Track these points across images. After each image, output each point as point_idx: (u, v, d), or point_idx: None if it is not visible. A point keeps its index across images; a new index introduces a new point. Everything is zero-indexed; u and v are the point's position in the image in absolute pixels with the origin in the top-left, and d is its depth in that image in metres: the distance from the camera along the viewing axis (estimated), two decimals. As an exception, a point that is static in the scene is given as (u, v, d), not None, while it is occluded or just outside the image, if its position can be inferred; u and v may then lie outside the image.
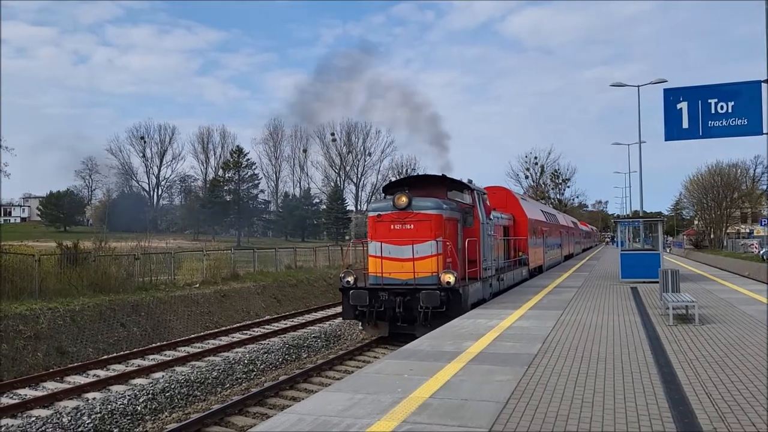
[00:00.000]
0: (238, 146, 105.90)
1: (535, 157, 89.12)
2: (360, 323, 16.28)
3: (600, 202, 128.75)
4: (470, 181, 18.87)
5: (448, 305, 14.14)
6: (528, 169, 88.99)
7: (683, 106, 12.56)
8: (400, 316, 14.59)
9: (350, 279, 15.47)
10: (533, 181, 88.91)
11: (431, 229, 14.73)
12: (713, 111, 12.44)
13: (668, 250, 60.39)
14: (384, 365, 8.51)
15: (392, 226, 15.01)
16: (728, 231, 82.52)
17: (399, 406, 6.41)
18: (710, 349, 9.41)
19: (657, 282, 16.27)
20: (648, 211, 52.50)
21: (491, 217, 18.19)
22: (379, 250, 15.07)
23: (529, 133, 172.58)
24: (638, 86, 33.16)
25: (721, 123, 12.51)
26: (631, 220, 29.12)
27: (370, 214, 15.55)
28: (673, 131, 12.86)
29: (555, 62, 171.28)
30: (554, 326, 11.85)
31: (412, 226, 14.82)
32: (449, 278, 14.30)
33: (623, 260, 22.34)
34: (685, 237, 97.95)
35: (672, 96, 12.77)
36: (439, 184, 17.04)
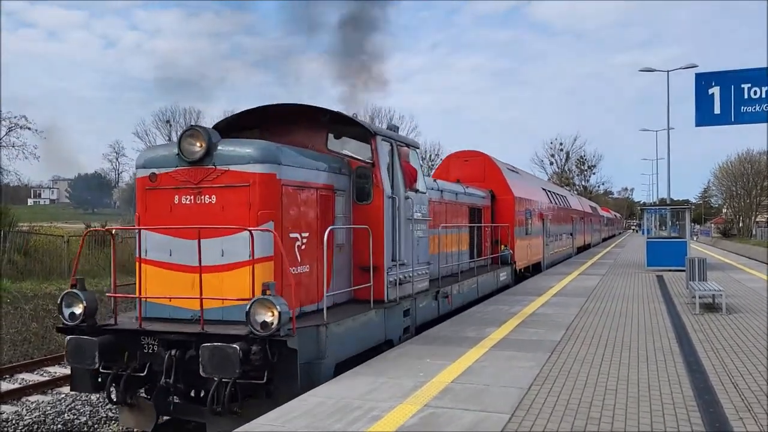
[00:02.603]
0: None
1: (561, 143, 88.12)
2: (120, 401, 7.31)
3: (626, 189, 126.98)
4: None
5: (272, 373, 6.55)
6: (553, 156, 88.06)
7: (715, 91, 12.32)
8: (178, 390, 7.13)
9: (77, 310, 7.25)
10: (558, 168, 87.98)
11: (250, 206, 7.16)
12: (746, 96, 12.17)
13: (695, 239, 59.55)
14: (406, 349, 8.54)
15: (176, 199, 7.41)
16: (758, 219, 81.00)
17: (421, 390, 6.43)
18: (737, 339, 9.27)
19: (683, 270, 16.04)
20: (675, 199, 51.71)
21: (419, 188, 10.38)
22: (155, 249, 7.46)
23: (556, 118, 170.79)
24: (668, 71, 32.55)
25: (754, 109, 12.25)
26: (657, 207, 28.75)
27: (139, 172, 7.72)
28: (704, 117, 12.63)
29: (587, 46, 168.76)
30: (578, 313, 11.77)
31: (214, 198, 7.28)
32: (268, 314, 6.42)
33: (649, 248, 22.08)
34: (712, 225, 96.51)
35: (704, 81, 12.52)
36: (316, 125, 9.41)
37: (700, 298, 12.17)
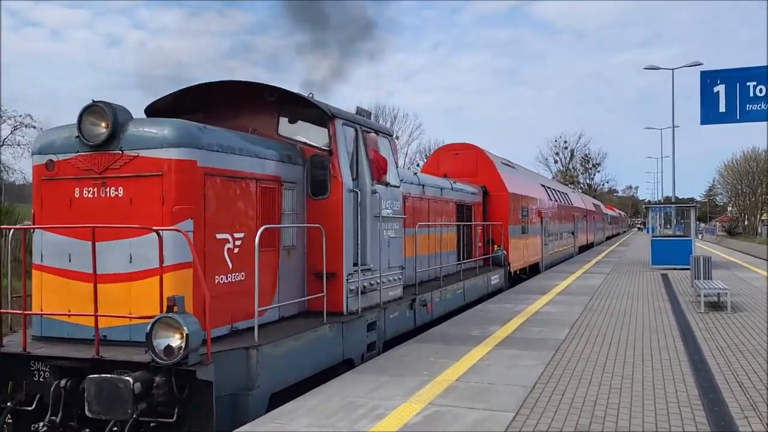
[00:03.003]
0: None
1: (565, 142, 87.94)
2: None
3: (630, 187, 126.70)
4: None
5: (184, 409, 5.25)
6: (557, 154, 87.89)
7: (720, 89, 12.28)
8: (70, 430, 5.59)
9: None
10: (563, 166, 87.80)
11: (163, 200, 5.88)
12: (751, 94, 12.13)
13: (700, 237, 59.39)
14: (409, 348, 8.54)
15: (76, 192, 6.11)
16: (763, 218, 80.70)
17: (425, 389, 6.43)
18: (742, 338, 9.24)
19: (688, 269, 16.01)
20: (680, 197, 51.59)
21: (390, 181, 9.12)
22: (52, 254, 6.17)
23: (560, 117, 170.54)
24: (672, 69, 32.51)
25: (760, 107, 12.20)
26: (662, 205, 28.67)
27: (34, 159, 6.38)
28: (710, 115, 12.59)
29: (588, 45, 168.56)
30: (582, 312, 11.75)
31: (120, 190, 5.99)
32: (175, 337, 5.14)
33: (654, 246, 22.04)
34: (717, 223, 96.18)
35: (709, 79, 12.48)
36: (266, 107, 8.17)
37: (705, 296, 12.14)
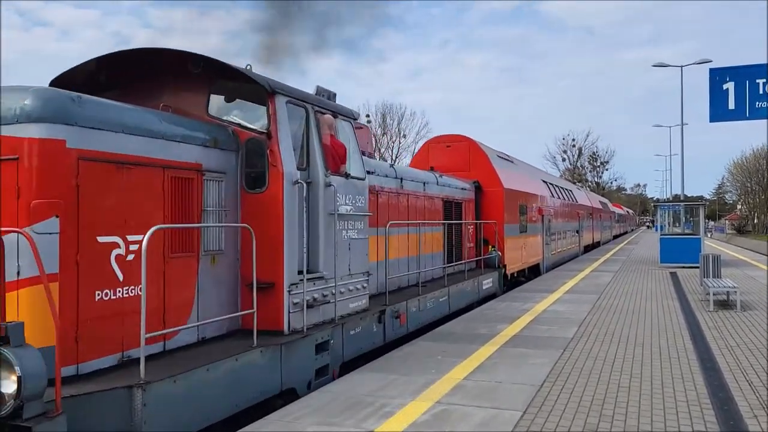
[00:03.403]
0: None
1: (573, 140, 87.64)
2: None
3: (639, 185, 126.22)
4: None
5: None
6: (565, 152, 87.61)
7: (729, 86, 12.20)
8: None
9: None
10: (570, 164, 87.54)
11: (19, 192, 4.54)
12: (761, 91, 12.04)
13: (709, 235, 59.10)
14: (417, 347, 8.53)
15: None
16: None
17: (432, 387, 6.42)
18: (752, 336, 9.19)
19: (697, 267, 15.93)
20: (689, 195, 51.28)
21: (352, 172, 7.83)
22: None
23: (567, 115, 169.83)
24: (681, 66, 32.30)
25: (769, 104, 12.09)
26: (671, 203, 28.55)
27: None
28: (719, 112, 12.51)
29: (596, 43, 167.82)
30: (590, 310, 11.71)
31: None
32: (10, 379, 3.76)
33: (663, 245, 21.96)
34: (727, 222, 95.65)
35: (718, 76, 12.40)
36: (194, 83, 6.82)
37: (714, 295, 12.07)
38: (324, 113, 7.52)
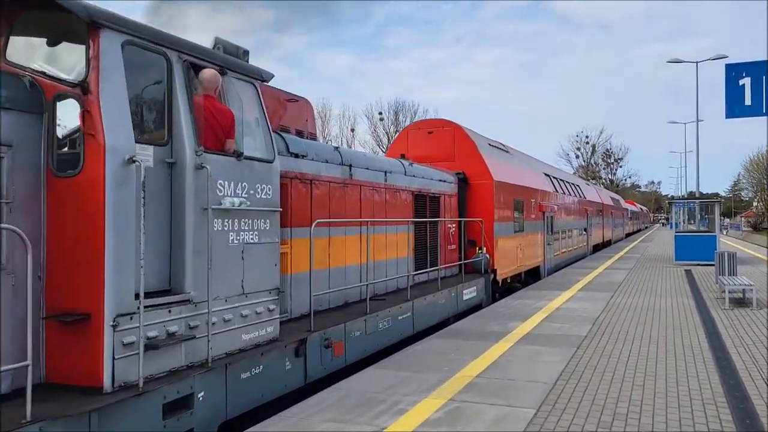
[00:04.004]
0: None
1: (587, 136, 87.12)
2: None
3: (653, 182, 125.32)
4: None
5: None
6: (579, 149, 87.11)
7: (746, 81, 12.04)
8: None
9: None
10: (584, 161, 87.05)
11: None
12: (778, 87, 11.88)
13: (725, 233, 58.54)
14: (430, 344, 8.52)
15: None
16: (790, 213, 79.29)
17: (445, 385, 6.41)
18: (769, 335, 9.10)
19: (712, 265, 15.78)
20: (704, 192, 50.85)
21: (240, 151, 5.74)
22: None
23: (581, 112, 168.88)
24: (696, 62, 32.03)
25: (786, 100, 11.94)
26: (686, 201, 28.31)
27: None
28: (735, 108, 12.35)
29: (611, 38, 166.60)
30: (604, 308, 11.65)
31: None
32: None
33: (677, 242, 21.79)
34: (743, 219, 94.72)
35: (734, 71, 12.24)
36: None
37: (729, 292, 11.98)
38: (202, 65, 5.57)
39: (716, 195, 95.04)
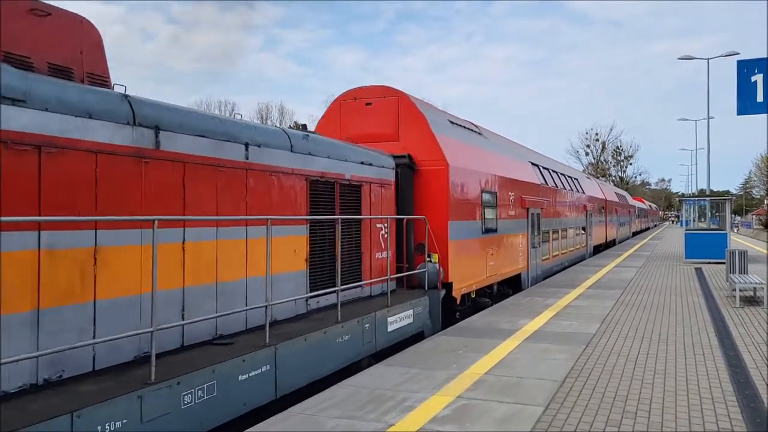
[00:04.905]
0: (295, 122, 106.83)
1: (596, 134, 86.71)
2: None
3: (663, 179, 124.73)
4: None
5: None
6: (588, 146, 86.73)
7: (758, 78, 11.95)
8: None
9: None
10: (594, 158, 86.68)
11: None
12: (790, 84, 11.78)
13: (736, 230, 58.14)
14: (439, 341, 8.52)
15: None
16: (802, 211, 78.66)
17: (454, 382, 6.42)
18: (780, 333, 9.04)
19: (723, 263, 15.69)
20: (715, 190, 50.49)
21: None
22: None
23: (592, 109, 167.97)
24: (708, 59, 31.78)
25: (798, 96, 11.84)
26: (697, 198, 28.14)
27: None
28: (746, 105, 12.26)
29: (622, 35, 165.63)
30: (614, 306, 11.61)
31: None
32: None
33: (688, 240, 21.68)
34: (754, 217, 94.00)
35: (746, 68, 12.15)
36: None
37: (740, 291, 11.91)
38: None
39: (727, 192, 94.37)
